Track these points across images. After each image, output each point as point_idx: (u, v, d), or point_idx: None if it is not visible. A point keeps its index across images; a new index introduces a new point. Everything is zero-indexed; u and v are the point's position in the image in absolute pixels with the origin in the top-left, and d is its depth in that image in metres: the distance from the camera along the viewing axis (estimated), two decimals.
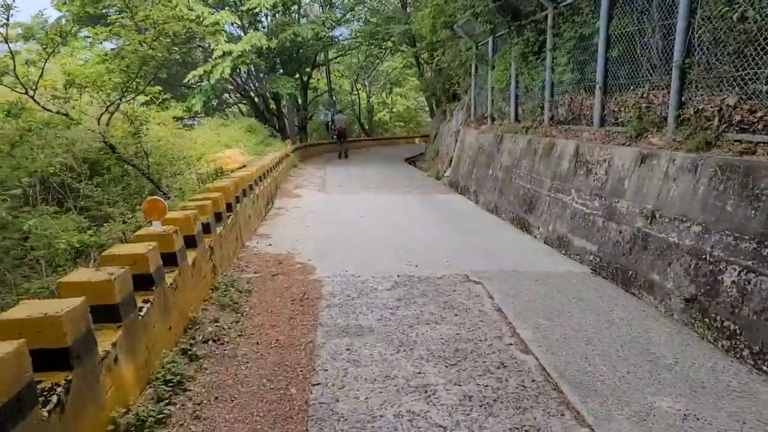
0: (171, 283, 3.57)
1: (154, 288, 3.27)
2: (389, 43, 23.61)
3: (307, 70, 28.39)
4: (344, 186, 12.63)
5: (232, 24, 16.90)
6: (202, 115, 18.43)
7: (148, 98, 9.38)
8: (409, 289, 4.95)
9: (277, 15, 20.47)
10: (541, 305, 4.66)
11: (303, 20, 19.59)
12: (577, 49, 7.75)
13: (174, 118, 10.89)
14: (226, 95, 23.63)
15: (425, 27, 15.03)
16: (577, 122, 7.82)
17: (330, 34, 26.25)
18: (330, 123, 31.36)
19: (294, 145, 18.94)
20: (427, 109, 51.99)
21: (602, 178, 6.25)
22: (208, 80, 15.47)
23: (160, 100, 9.02)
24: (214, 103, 20.83)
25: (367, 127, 40.94)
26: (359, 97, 39.26)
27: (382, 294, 4.80)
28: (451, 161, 15.11)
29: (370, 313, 4.33)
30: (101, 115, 5.80)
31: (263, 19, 19.53)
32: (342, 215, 9.18)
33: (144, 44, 5.47)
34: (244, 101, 22.95)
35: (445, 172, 15.14)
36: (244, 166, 9.11)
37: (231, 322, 4.07)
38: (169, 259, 3.66)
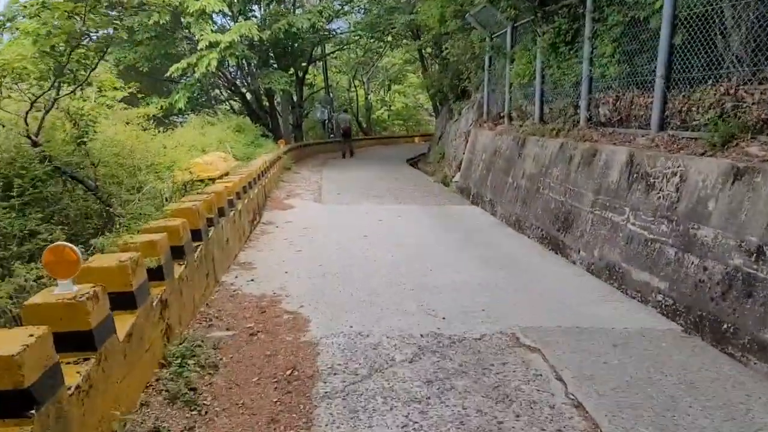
0: (76, 390, 2.28)
1: (34, 411, 1.97)
2: (390, 37, 22.37)
3: (303, 65, 27.11)
4: (343, 194, 11.41)
5: (220, 12, 15.60)
6: (189, 112, 17.14)
7: (124, 94, 8.11)
8: (441, 361, 3.64)
9: (270, 5, 19.21)
10: (642, 398, 3.22)
11: (299, 11, 18.32)
12: (626, 37, 6.52)
13: (151, 116, 9.55)
14: (216, 91, 22.31)
15: (433, 17, 13.78)
16: (625, 124, 6.60)
17: (327, 26, 25.01)
18: (326, 121, 30.14)
19: (287, 146, 17.67)
20: (426, 106, 50.82)
21: (671, 197, 5.01)
22: (194, 74, 14.15)
23: (124, 94, 7.75)
24: (202, 100, 19.51)
25: (365, 126, 39.67)
26: (357, 94, 38.01)
27: (403, 370, 3.49)
28: (460, 165, 13.89)
29: (388, 412, 2.99)
30: (27, 112, 4.52)
31: (255, 8, 18.17)
32: (341, 234, 7.83)
33: (76, 16, 4.21)
34: (234, 98, 21.64)
35: (453, 177, 13.92)
36: (226, 174, 7.82)
37: None
38: (82, 341, 2.40)
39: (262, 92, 19.71)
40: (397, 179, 14.15)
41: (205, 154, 8.94)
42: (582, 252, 6.45)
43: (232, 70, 17.69)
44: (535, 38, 9.23)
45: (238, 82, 18.71)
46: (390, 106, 45.80)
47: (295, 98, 28.80)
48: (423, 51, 19.42)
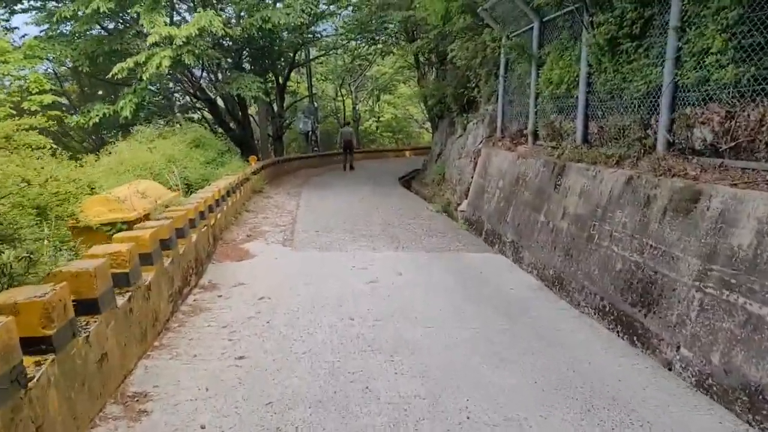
0: None
1: None
2: (383, 39, 20.39)
3: (284, 70, 25.01)
4: (322, 232, 9.00)
5: (180, 3, 13.37)
6: (144, 122, 14.84)
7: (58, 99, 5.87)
8: None
9: None
10: None
11: (279, 5, 16.22)
12: (747, 24, 4.45)
13: (87, 126, 7.27)
14: (183, 98, 20.02)
15: (435, 13, 11.74)
16: (747, 155, 4.50)
17: (312, 29, 22.95)
18: (310, 133, 28.00)
19: (260, 163, 15.43)
20: (417, 118, 48.99)
21: None
22: (143, 76, 11.90)
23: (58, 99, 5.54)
24: (156, 108, 17.20)
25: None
26: (344, 104, 35.95)
27: None
28: (467, 191, 11.77)
29: None
30: None
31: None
32: (315, 315, 5.20)
33: None
34: (200, 106, 19.35)
35: (459, 204, 11.78)
36: (146, 217, 5.55)
37: None
38: None
39: (234, 100, 17.51)
40: (391, 207, 11.96)
41: (134, 182, 6.68)
42: (683, 349, 4.30)
43: (197, 72, 15.45)
44: (579, 33, 7.19)
45: (205, 86, 16.40)
46: (379, 117, 43.85)
47: (275, 107, 26.67)
48: (420, 55, 17.41)
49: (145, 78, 11.89)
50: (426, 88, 14.91)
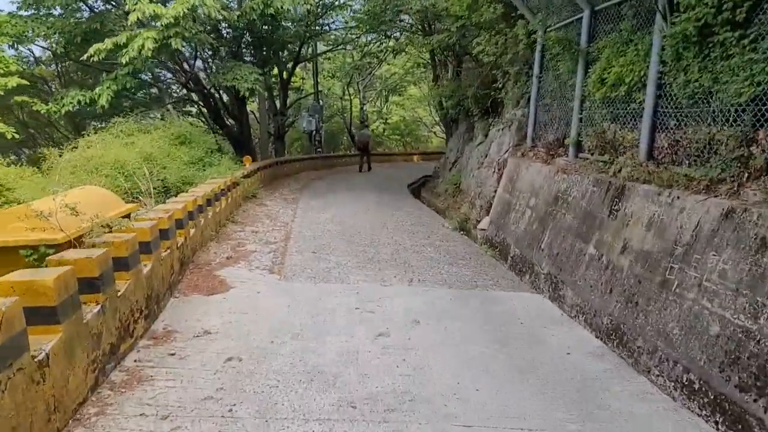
0: None
1: None
2: (396, 34, 19.08)
3: (288, 64, 23.74)
4: (321, 252, 7.60)
5: None
6: (131, 113, 13.52)
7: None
8: None
9: None
10: None
11: None
12: None
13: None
14: (174, 89, 18.65)
15: (460, 1, 10.42)
16: None
17: (320, 21, 21.70)
18: (314, 132, 26.73)
19: (256, 164, 14.12)
20: (426, 121, 47.62)
21: None
22: (124, 60, 10.54)
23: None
24: (139, 96, 15.91)
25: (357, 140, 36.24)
26: (351, 104, 34.66)
27: None
28: (489, 207, 10.45)
29: None
30: None
31: None
32: (303, 399, 3.68)
33: None
34: (192, 98, 17.99)
35: (478, 222, 10.45)
36: (78, 240, 4.19)
37: None
38: None
39: (232, 92, 16.20)
40: (401, 222, 10.59)
41: (76, 189, 5.34)
42: None
43: (192, 61, 14.09)
44: (647, 23, 5.89)
45: (202, 78, 15.06)
46: (386, 119, 42.61)
47: (277, 103, 25.40)
48: (437, 52, 16.09)
49: (125, 62, 10.56)
50: (442, 88, 13.60)
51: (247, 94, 12.04)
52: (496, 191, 10.35)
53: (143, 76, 14.47)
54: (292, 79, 26.23)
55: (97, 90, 11.18)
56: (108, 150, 8.56)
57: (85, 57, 11.06)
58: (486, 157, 11.98)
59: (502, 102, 11.73)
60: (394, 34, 28.22)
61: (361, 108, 35.74)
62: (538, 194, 8.18)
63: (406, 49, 28.26)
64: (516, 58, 9.95)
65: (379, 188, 17.47)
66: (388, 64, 34.81)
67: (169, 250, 5.36)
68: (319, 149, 27.22)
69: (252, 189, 11.73)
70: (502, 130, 10.99)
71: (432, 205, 14.19)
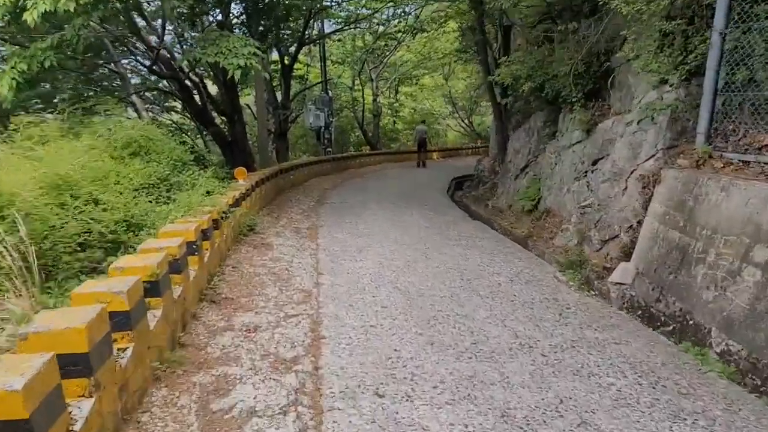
0: None
1: None
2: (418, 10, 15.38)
3: (291, 48, 20.05)
4: (398, 394, 3.60)
5: None
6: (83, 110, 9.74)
7: None
8: None
9: None
10: None
11: None
12: None
13: None
14: (126, 70, 14.74)
15: None
16: None
17: None
18: (323, 129, 23.04)
19: (254, 176, 10.46)
20: (439, 112, 43.66)
21: None
22: (34, 19, 6.73)
23: None
24: (96, 88, 12.15)
25: (370, 135, 32.53)
26: (363, 95, 30.93)
27: None
28: (626, 247, 6.79)
29: None
30: None
31: None
32: None
33: None
34: (164, 89, 14.11)
35: (608, 270, 6.80)
36: None
37: None
38: None
39: (218, 78, 12.50)
40: (487, 272, 6.67)
41: None
42: None
43: (158, 30, 10.30)
44: None
45: (161, 50, 11.01)
46: (398, 111, 38.88)
47: (278, 95, 21.73)
48: (493, 17, 12.40)
49: (30, 23, 6.80)
50: (513, 65, 9.89)
51: (237, 76, 8.32)
52: (640, 221, 6.67)
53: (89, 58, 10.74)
54: (296, 65, 22.54)
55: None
56: None
57: None
58: (592, 163, 8.29)
59: (615, 82, 8.08)
60: (415, 10, 24.56)
61: (374, 99, 32.03)
62: (756, 237, 4.53)
63: (429, 27, 24.61)
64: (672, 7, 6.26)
65: (415, 199, 13.81)
66: (407, 47, 31.08)
67: None
68: (328, 149, 23.55)
69: (247, 219, 8.07)
70: (634, 123, 7.27)
71: (498, 226, 10.49)
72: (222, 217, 6.48)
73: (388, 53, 29.65)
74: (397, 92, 39.22)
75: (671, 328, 5.48)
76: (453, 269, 6.79)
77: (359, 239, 8.51)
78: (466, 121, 43.45)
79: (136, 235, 5.40)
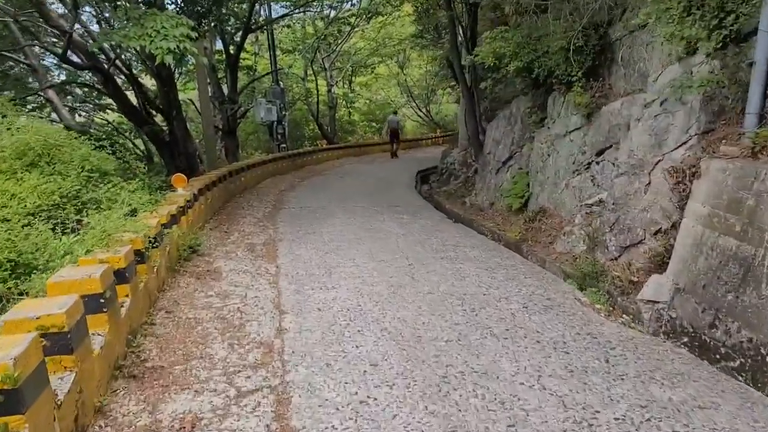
0: None
1: None
2: None
3: (236, 36, 18.34)
4: None
5: None
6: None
7: None
8: None
9: None
10: None
11: None
12: None
13: None
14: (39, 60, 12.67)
15: None
16: None
17: None
18: (275, 124, 21.41)
19: (198, 181, 8.91)
20: (395, 101, 42.34)
21: None
22: None
23: None
24: None
25: (326, 128, 30.93)
26: (317, 86, 29.28)
27: None
28: (656, 256, 5.64)
29: None
30: None
31: None
32: None
33: None
34: (76, 81, 12.16)
35: (633, 284, 5.66)
36: None
37: None
38: None
39: (149, 68, 10.74)
40: (493, 295, 5.28)
41: None
42: None
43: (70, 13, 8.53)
44: None
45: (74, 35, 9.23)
46: (352, 101, 37.32)
47: (225, 88, 19.98)
48: None
49: None
50: (496, 42, 8.64)
51: (168, 62, 6.76)
52: (674, 224, 5.53)
53: None
54: (243, 55, 20.80)
55: None
56: None
57: None
58: (597, 154, 7.15)
59: (617, 57, 6.98)
60: None
61: (329, 90, 30.43)
62: None
63: (383, 10, 23.23)
64: None
65: (383, 199, 12.50)
66: (361, 32, 29.59)
67: None
68: (283, 145, 21.90)
69: (189, 239, 6.57)
70: (655, 104, 6.14)
71: (486, 230, 9.27)
72: (150, 245, 4.98)
73: (340, 41, 28.08)
74: (351, 82, 37.72)
75: (737, 363, 4.35)
76: (450, 295, 5.48)
77: (327, 256, 7.10)
78: (424, 110, 42.40)
79: (24, 281, 3.88)
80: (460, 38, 12.98)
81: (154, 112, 11.92)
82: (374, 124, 38.38)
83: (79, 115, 19.72)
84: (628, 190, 6.31)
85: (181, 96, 22.10)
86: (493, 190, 10.68)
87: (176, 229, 6.11)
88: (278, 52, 24.99)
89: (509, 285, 5.89)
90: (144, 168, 10.72)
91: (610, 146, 7.02)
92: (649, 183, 6.00)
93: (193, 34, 7.01)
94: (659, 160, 5.91)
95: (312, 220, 9.77)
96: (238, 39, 18.41)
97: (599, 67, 7.76)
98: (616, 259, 6.30)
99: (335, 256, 7.07)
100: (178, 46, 6.53)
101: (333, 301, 5.30)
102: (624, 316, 5.31)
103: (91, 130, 12.52)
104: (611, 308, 5.37)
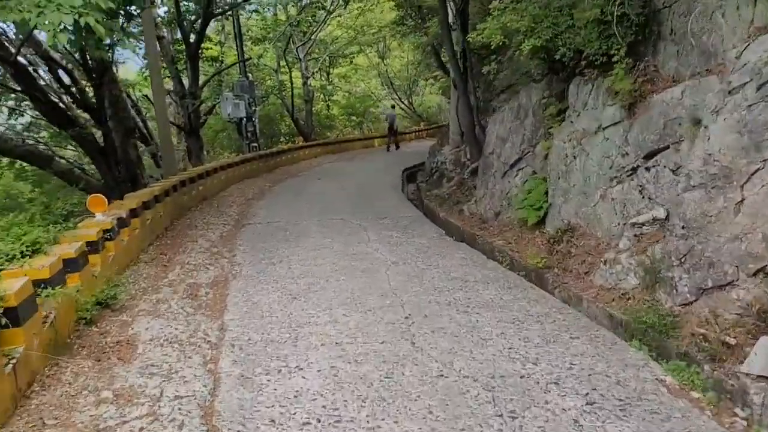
0: None
1: None
2: None
3: (196, 23, 16.40)
4: None
5: None
6: None
7: None
8: None
9: None
10: None
11: None
12: None
13: None
14: None
15: None
16: None
17: None
18: (244, 121, 19.55)
19: (131, 199, 7.10)
20: (377, 94, 40.39)
21: None
22: None
23: None
24: None
25: (303, 124, 29.01)
26: (291, 78, 27.32)
27: None
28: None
29: None
30: None
31: None
32: None
33: None
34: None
35: (735, 345, 3.93)
36: None
37: None
38: None
39: (76, 59, 8.78)
40: (523, 374, 3.52)
41: None
42: None
43: None
44: None
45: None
46: (331, 95, 35.32)
47: (186, 82, 18.03)
48: None
49: None
50: (495, 19, 6.93)
51: (63, 42, 4.90)
52: None
53: None
54: (205, 45, 18.83)
55: None
56: None
57: None
58: (646, 157, 5.47)
59: (663, 33, 5.32)
60: None
61: (304, 83, 28.48)
62: None
63: None
64: None
65: (368, 208, 10.81)
66: (338, 19, 27.68)
67: None
68: (254, 144, 20.01)
69: (98, 290, 4.74)
70: (748, 89, 4.45)
71: (490, 248, 7.57)
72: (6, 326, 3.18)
73: (316, 28, 26.14)
74: (329, 74, 35.77)
75: None
76: (472, 380, 3.66)
77: (294, 304, 5.31)
78: (406, 102, 40.67)
79: None
80: (451, 17, 11.24)
81: (81, 112, 9.98)
82: (354, 118, 36.48)
83: None
84: (706, 209, 4.62)
85: (141, 92, 20.10)
86: (499, 197, 8.98)
87: (73, 282, 4.30)
88: (247, 41, 23.02)
89: (553, 354, 4.14)
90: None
91: (667, 147, 5.34)
92: (742, 200, 4.32)
93: (107, 3, 5.16)
94: (757, 169, 4.23)
95: (279, 242, 7.97)
96: (198, 25, 16.45)
97: (640, 44, 6.08)
98: (689, 303, 4.63)
99: (305, 304, 5.29)
100: (77, 21, 4.71)
101: (296, 399, 3.48)
102: (738, 409, 3.62)
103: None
104: (718, 399, 3.68)
